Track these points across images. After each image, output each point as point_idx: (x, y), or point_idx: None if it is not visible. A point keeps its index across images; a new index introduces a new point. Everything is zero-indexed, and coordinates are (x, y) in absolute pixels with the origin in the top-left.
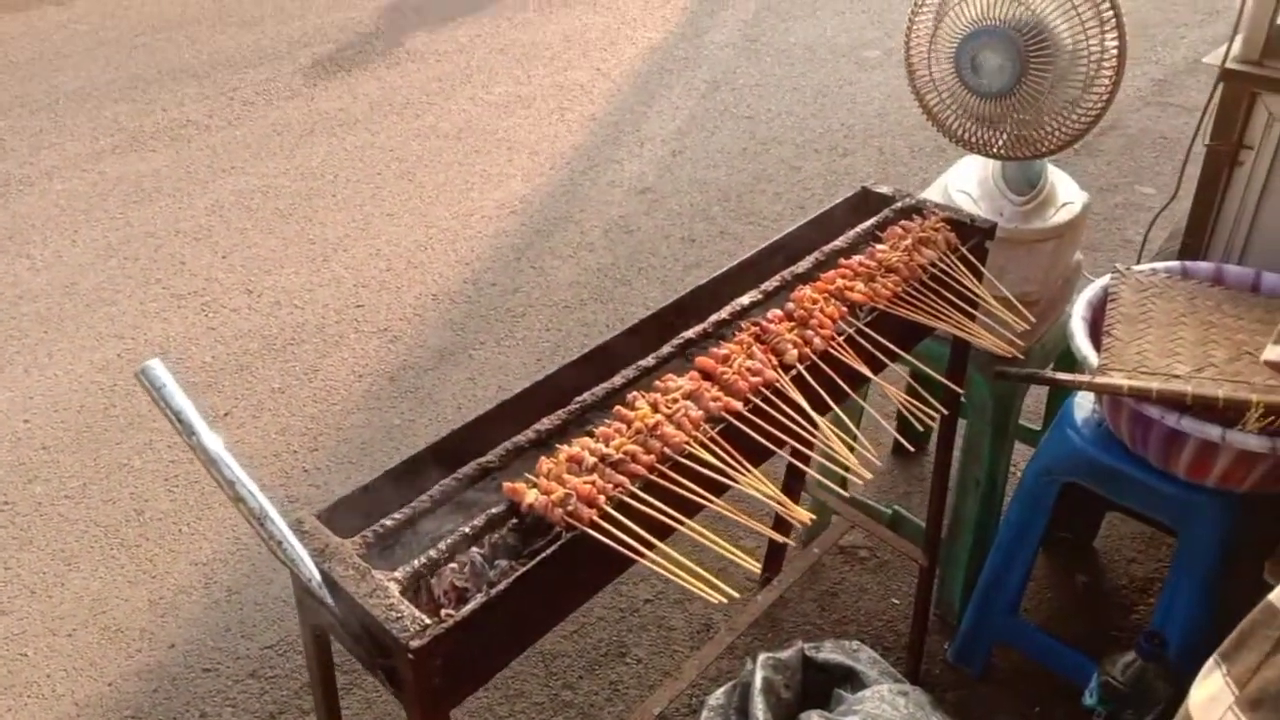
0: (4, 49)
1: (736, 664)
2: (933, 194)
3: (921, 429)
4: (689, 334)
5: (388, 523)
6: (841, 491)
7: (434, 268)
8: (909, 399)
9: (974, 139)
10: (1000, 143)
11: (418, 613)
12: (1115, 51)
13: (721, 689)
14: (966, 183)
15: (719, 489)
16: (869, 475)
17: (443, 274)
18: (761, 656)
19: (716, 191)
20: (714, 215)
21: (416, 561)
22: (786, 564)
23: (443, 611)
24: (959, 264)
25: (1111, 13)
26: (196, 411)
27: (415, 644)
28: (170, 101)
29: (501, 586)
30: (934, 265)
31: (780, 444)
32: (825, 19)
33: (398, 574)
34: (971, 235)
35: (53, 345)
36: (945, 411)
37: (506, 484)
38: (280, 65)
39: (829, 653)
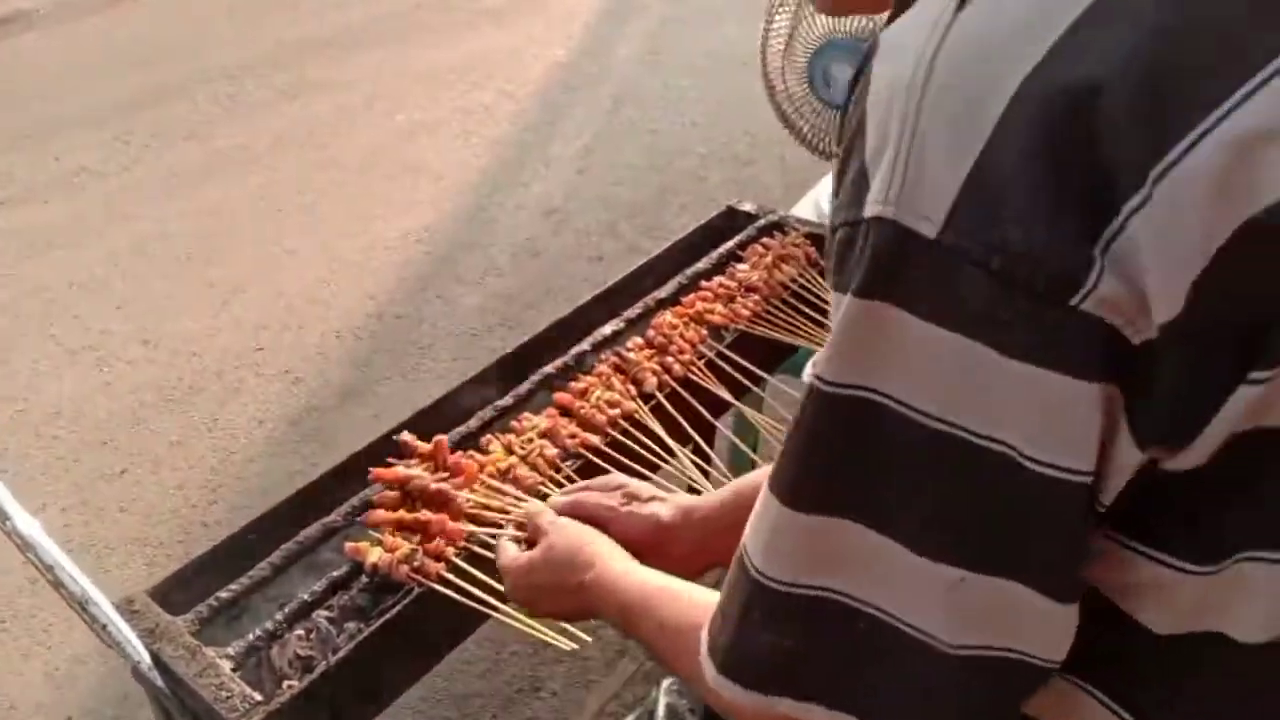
0: None
1: (644, 690)
2: (804, 207)
3: None
4: (548, 368)
5: (223, 595)
6: None
7: (337, 303)
8: (773, 422)
9: (833, 151)
10: None
11: (249, 690)
12: None
13: (630, 717)
14: None
15: None
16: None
17: (347, 309)
18: (665, 682)
19: (624, 208)
20: (622, 232)
21: (251, 634)
22: None
23: (285, 684)
24: (819, 279)
25: None
26: (10, 496)
27: None
28: (63, 149)
29: (342, 654)
30: (794, 281)
31: (640, 478)
32: (728, 28)
33: (230, 650)
34: None
35: None
36: None
37: (349, 544)
38: (177, 105)
39: None
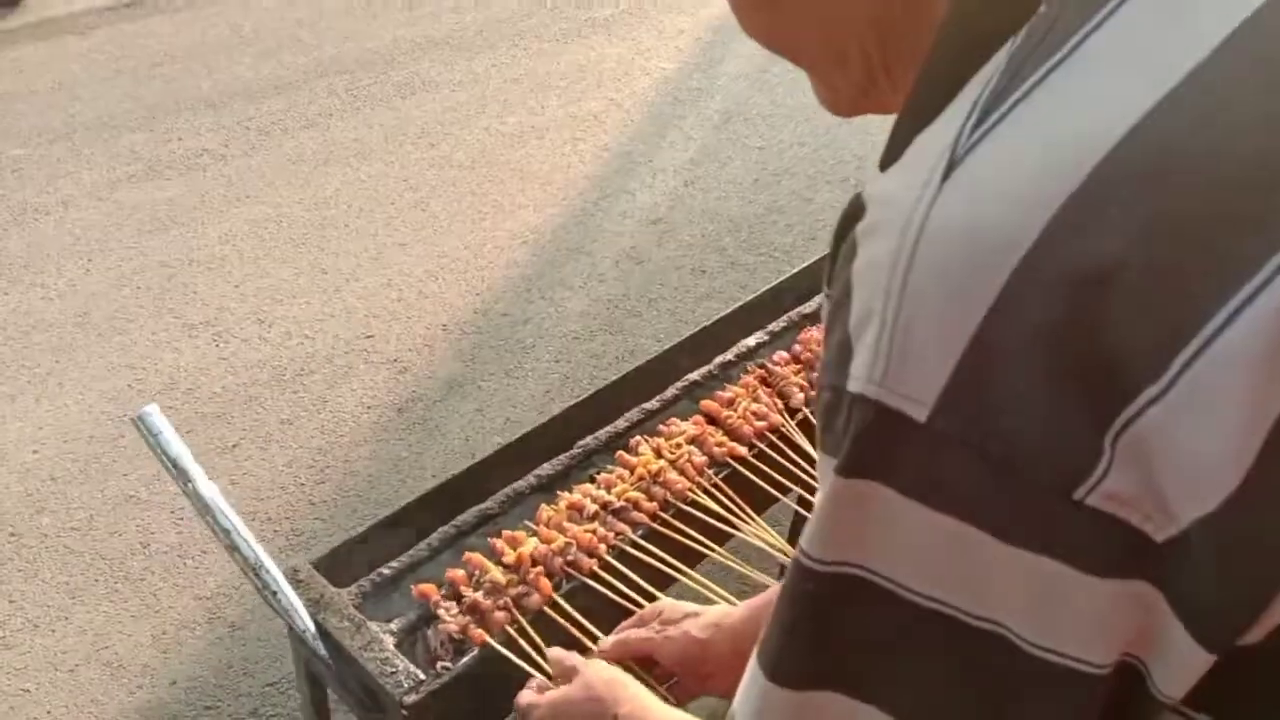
0: (25, 78)
1: None
2: None
3: None
4: (694, 376)
5: (385, 571)
6: None
7: (445, 298)
8: None
9: None
10: None
11: (412, 668)
12: None
13: None
14: None
15: (722, 538)
16: None
17: (453, 304)
18: None
19: (728, 223)
20: (725, 247)
21: (413, 613)
22: None
23: (439, 664)
24: None
25: None
26: (193, 458)
27: (409, 700)
28: (186, 131)
29: (496, 639)
30: None
31: (785, 491)
32: None
33: (393, 625)
34: None
35: (64, 375)
36: None
37: (506, 532)
38: (296, 95)
39: None
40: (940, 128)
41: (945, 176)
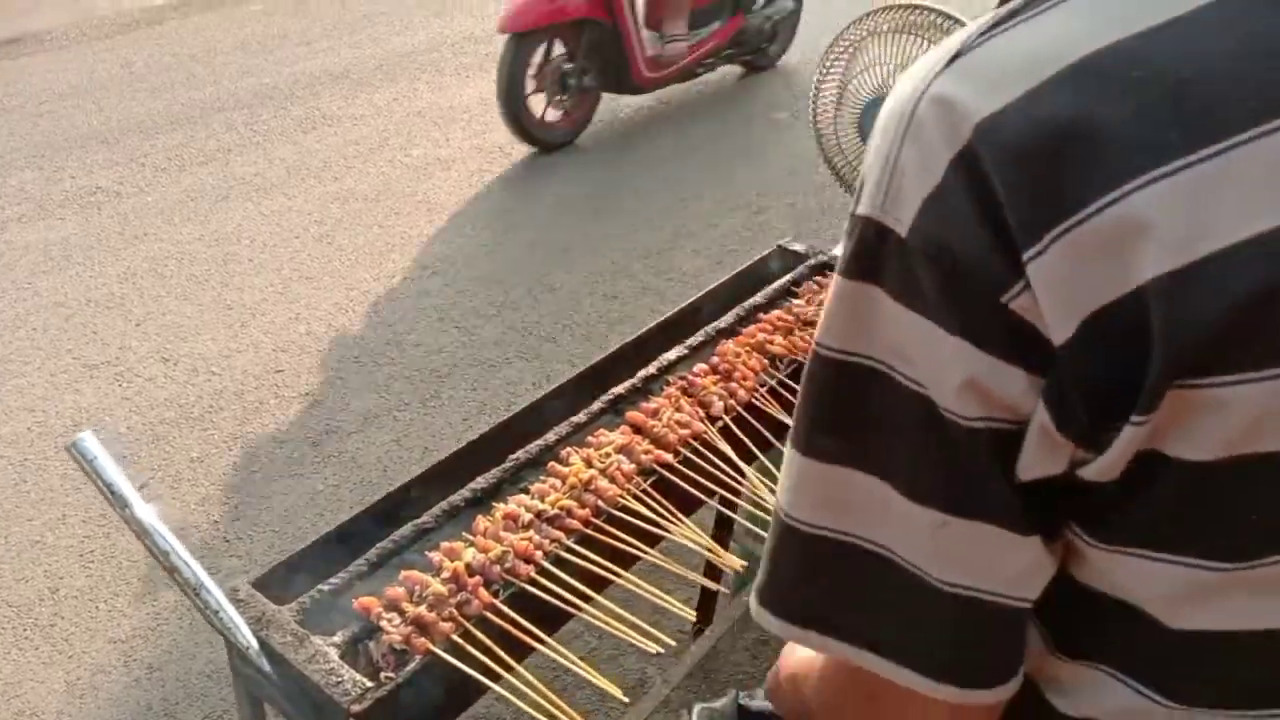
0: None
1: (673, 718)
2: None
3: None
4: (619, 389)
5: (324, 588)
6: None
7: (356, 330)
8: None
9: None
10: None
11: (358, 676)
12: None
13: None
14: None
15: (653, 540)
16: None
17: (365, 336)
18: (697, 708)
19: (638, 249)
20: (635, 272)
21: (354, 627)
22: (718, 614)
23: (382, 675)
24: None
25: None
26: (129, 483)
27: (356, 708)
28: (78, 169)
29: (439, 648)
30: None
31: (710, 494)
32: (739, 88)
33: (336, 639)
34: None
35: None
36: None
37: (444, 544)
38: (193, 130)
39: (763, 700)
40: (962, 32)
41: (948, 64)
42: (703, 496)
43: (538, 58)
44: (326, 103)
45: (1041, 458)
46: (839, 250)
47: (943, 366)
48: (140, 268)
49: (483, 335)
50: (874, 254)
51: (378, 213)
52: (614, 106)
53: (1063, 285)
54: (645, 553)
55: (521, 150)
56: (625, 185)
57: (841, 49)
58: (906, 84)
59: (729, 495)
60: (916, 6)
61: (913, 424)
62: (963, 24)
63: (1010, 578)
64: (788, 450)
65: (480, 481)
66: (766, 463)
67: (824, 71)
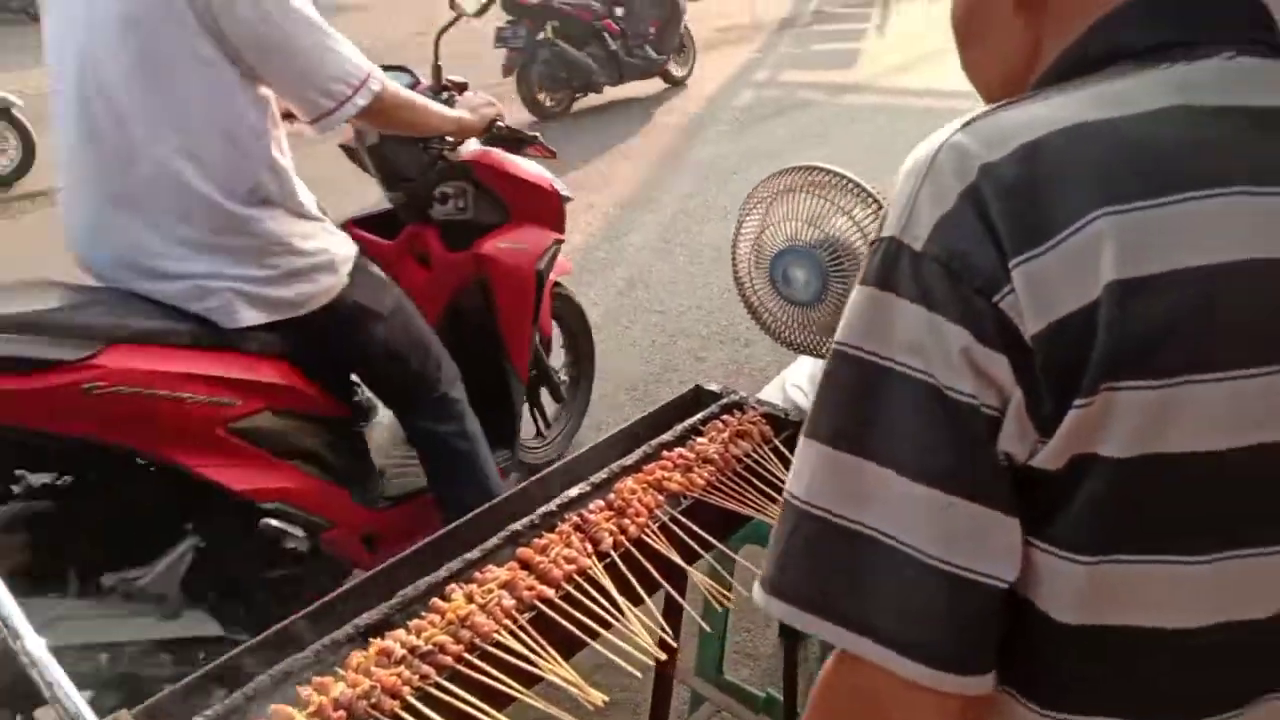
0: None
1: None
2: (772, 389)
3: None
4: (516, 526)
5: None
6: (636, 674)
7: None
8: (713, 583)
9: (798, 341)
10: (823, 344)
11: None
12: None
13: None
14: (800, 378)
15: (531, 680)
16: (663, 656)
17: None
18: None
19: (625, 381)
20: (621, 403)
21: None
22: None
23: None
24: (773, 455)
25: None
26: (21, 615)
27: None
28: None
29: None
30: (749, 456)
31: (594, 635)
32: (732, 221)
33: None
34: (787, 428)
35: None
36: None
37: (315, 679)
38: None
39: None
40: (971, 114)
41: (963, 127)
42: (584, 637)
43: None
44: None
45: (1014, 435)
46: (770, 389)
47: (944, 343)
48: None
49: None
50: (893, 266)
51: None
52: (620, 243)
53: (1040, 290)
54: (520, 693)
55: None
56: (620, 319)
57: (753, 204)
58: (925, 146)
59: (610, 636)
60: (819, 168)
61: (920, 408)
62: (864, 188)
63: (1001, 558)
64: (801, 441)
65: (365, 618)
66: (651, 605)
67: (739, 226)
